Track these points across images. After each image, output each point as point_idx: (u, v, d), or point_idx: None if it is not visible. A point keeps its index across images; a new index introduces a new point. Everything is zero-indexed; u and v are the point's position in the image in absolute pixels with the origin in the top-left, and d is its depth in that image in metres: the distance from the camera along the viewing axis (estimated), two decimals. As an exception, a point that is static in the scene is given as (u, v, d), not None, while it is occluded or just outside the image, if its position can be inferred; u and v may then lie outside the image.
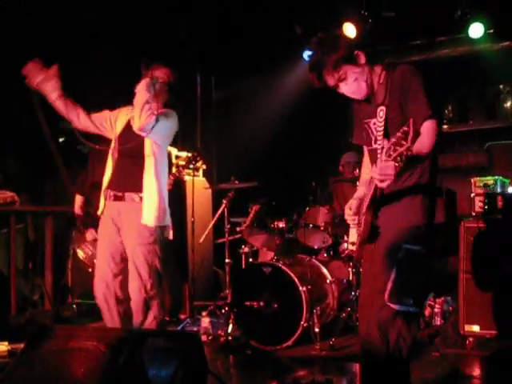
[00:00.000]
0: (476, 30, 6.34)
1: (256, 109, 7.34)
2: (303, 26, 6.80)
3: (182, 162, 6.06)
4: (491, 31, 6.40)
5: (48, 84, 3.71)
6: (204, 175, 6.35)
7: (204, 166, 6.35)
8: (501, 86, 7.46)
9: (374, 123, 2.80)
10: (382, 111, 2.73)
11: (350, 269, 5.09)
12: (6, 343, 4.61)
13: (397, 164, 2.47)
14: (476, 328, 4.39)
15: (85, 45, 6.72)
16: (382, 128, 2.73)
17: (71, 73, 6.55)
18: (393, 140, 2.46)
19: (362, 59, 2.77)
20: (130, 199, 3.77)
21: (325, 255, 5.29)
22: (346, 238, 5.13)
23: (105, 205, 3.87)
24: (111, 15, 6.49)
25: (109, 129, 3.94)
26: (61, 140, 8.46)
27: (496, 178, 4.59)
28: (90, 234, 5.14)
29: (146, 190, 3.72)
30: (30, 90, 3.72)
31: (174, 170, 5.94)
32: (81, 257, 5.06)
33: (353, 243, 2.92)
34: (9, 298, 5.78)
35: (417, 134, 2.58)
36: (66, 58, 6.74)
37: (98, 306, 3.85)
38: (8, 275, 5.91)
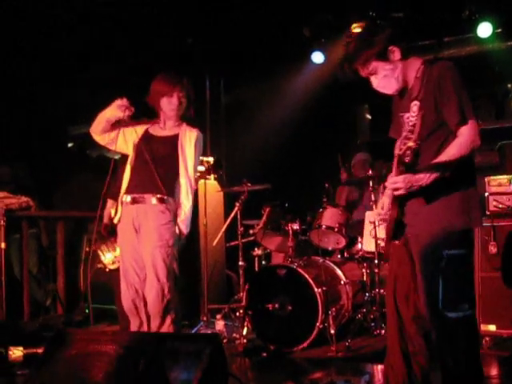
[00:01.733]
0: (484, 30, 6.32)
1: (266, 111, 7.35)
2: (311, 28, 6.81)
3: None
4: (499, 30, 6.40)
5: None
6: (215, 178, 6.35)
7: (215, 169, 6.36)
8: (509, 86, 7.46)
9: (408, 117, 2.77)
10: (415, 106, 2.70)
11: (363, 270, 5.09)
12: (21, 348, 4.62)
13: (407, 159, 2.56)
14: (492, 327, 4.38)
15: (89, 54, 6.76)
16: (414, 122, 2.72)
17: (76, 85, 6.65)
18: (404, 134, 2.58)
19: (397, 55, 2.77)
20: (148, 201, 3.78)
21: (339, 256, 5.29)
22: (359, 239, 5.14)
23: (122, 212, 3.87)
24: (116, 24, 6.53)
25: (120, 143, 3.95)
26: (70, 145, 8.52)
27: (509, 176, 4.57)
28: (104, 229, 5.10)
29: (184, 201, 3.83)
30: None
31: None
32: (101, 257, 5.04)
33: (382, 239, 2.92)
34: (22, 303, 5.79)
35: (453, 137, 2.67)
36: (71, 70, 6.85)
37: (126, 312, 3.83)
38: (21, 280, 5.93)
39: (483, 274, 4.44)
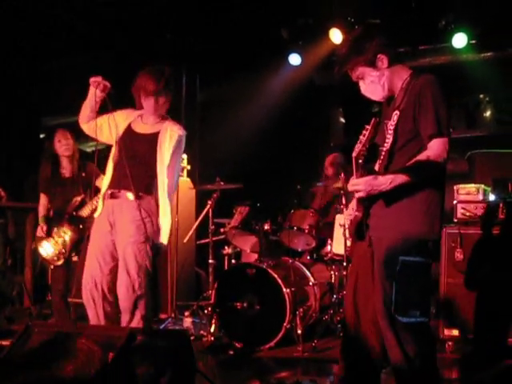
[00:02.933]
0: (459, 40, 6.43)
1: (241, 110, 7.37)
2: (290, 30, 6.86)
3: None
4: (474, 42, 6.52)
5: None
6: (188, 175, 6.35)
7: (188, 167, 6.35)
8: (481, 96, 7.61)
9: (389, 125, 2.84)
10: (396, 115, 2.79)
11: (332, 272, 5.15)
12: (-14, 340, 4.58)
13: (360, 161, 2.72)
14: (456, 332, 4.46)
15: (71, 47, 6.71)
16: (392, 131, 2.79)
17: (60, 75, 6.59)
18: (360, 137, 2.73)
19: (384, 63, 2.83)
20: (124, 197, 3.77)
21: (308, 258, 5.34)
22: (329, 241, 5.20)
23: (103, 205, 3.87)
24: (98, 17, 6.48)
25: (106, 133, 3.93)
26: (42, 136, 8.42)
27: (478, 185, 4.67)
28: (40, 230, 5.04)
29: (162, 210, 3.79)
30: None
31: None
32: (43, 255, 4.98)
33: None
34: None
35: (418, 148, 2.73)
36: (55, 60, 6.79)
37: (84, 302, 3.82)
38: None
39: (449, 279, 4.52)
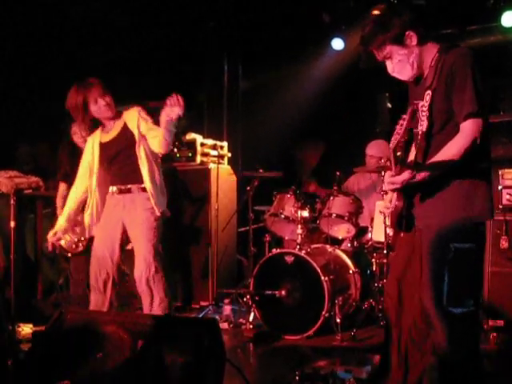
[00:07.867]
0: (509, 19, 6.19)
1: (283, 98, 7.29)
2: (331, 15, 6.73)
3: (208, 150, 6.07)
4: (525, 20, 6.25)
5: None
6: (229, 163, 6.34)
7: (229, 154, 6.34)
8: (534, 77, 7.30)
9: (422, 105, 2.73)
10: (428, 95, 2.68)
11: (373, 260, 5.05)
12: (31, 325, 4.72)
13: (399, 153, 2.63)
14: (500, 323, 4.32)
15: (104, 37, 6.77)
16: (426, 112, 2.68)
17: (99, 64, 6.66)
18: (397, 127, 2.62)
19: (413, 41, 2.70)
20: (135, 191, 4.08)
21: (348, 245, 5.24)
22: (370, 229, 5.10)
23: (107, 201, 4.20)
24: (135, 6, 6.52)
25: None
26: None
27: (525, 170, 4.48)
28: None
29: (148, 183, 4.05)
30: None
31: (198, 157, 5.96)
32: (62, 244, 5.06)
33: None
34: (35, 281, 5.87)
35: (457, 130, 2.60)
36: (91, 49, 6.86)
37: (92, 289, 4.12)
38: (34, 259, 6.00)
39: (494, 268, 4.37)
